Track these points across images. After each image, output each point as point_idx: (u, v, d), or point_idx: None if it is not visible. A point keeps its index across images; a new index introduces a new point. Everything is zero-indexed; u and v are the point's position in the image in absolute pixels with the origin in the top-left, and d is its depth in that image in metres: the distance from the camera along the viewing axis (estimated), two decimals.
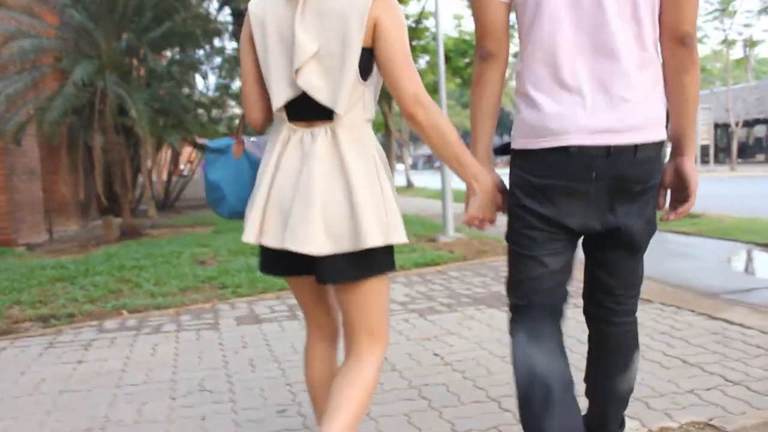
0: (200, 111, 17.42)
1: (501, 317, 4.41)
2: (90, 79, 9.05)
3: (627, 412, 2.24)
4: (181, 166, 21.34)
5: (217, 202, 2.10)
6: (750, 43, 27.61)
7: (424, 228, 9.49)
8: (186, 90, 15.78)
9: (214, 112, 20.26)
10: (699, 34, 24.69)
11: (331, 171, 1.79)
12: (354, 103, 1.82)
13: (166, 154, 19.03)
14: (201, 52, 12.46)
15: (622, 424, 2.18)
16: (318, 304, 2.05)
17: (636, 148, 1.72)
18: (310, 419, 2.77)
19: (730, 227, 8.22)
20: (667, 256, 6.66)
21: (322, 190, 1.77)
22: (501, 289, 5.35)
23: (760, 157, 38.79)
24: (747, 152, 38.57)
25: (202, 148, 19.38)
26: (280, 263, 1.91)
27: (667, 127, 1.82)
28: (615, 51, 1.68)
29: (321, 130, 1.81)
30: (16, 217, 10.32)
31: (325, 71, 1.79)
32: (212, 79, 21.42)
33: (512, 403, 2.84)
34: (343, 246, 1.77)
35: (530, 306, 1.88)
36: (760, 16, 26.32)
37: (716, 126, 30.75)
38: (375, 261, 1.82)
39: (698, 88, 1.84)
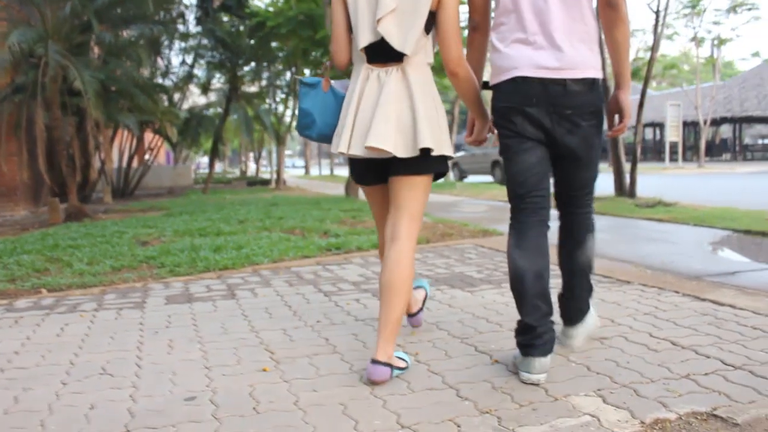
0: (162, 95, 16.73)
1: (463, 297, 3.93)
2: (29, 47, 8.35)
3: (612, 401, 2.19)
4: (146, 156, 20.56)
5: (307, 126, 2.70)
6: (719, 41, 27.56)
7: None
8: (146, 72, 15.08)
9: (176, 97, 19.56)
10: (669, 32, 24.77)
11: (401, 96, 2.46)
12: (418, 51, 2.48)
13: (128, 140, 18.21)
14: (157, 29, 11.71)
15: (590, 290, 2.80)
16: (384, 207, 2.72)
17: (571, 81, 2.40)
18: (223, 409, 2.25)
19: (705, 215, 7.86)
20: (642, 241, 6.24)
21: (395, 109, 2.43)
22: (465, 270, 4.87)
23: (726, 156, 39.11)
24: (714, 151, 38.83)
25: (164, 135, 18.72)
26: (368, 174, 2.69)
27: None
28: (548, 14, 2.38)
29: (393, 69, 2.48)
30: None
31: (399, 23, 2.43)
32: (175, 61, 20.65)
33: (471, 391, 2.34)
34: (408, 150, 2.44)
35: (518, 197, 2.53)
36: (729, 15, 26.32)
37: (685, 124, 30.74)
38: (429, 164, 2.52)
39: (628, 40, 2.52)
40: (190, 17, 19.16)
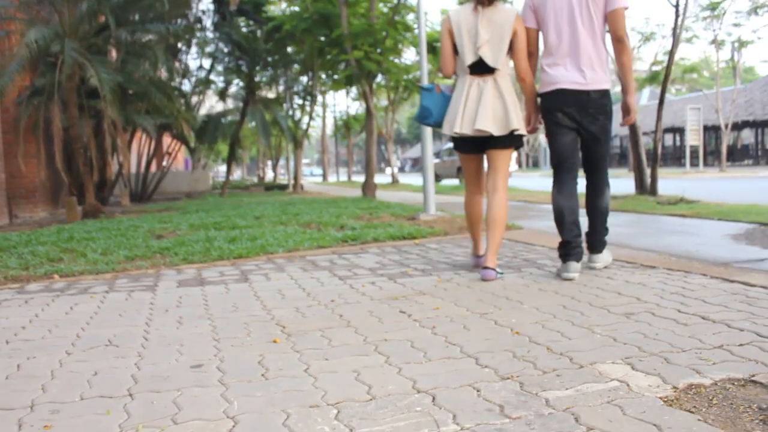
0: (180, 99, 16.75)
1: (483, 281, 3.80)
2: (46, 43, 8.35)
3: (642, 368, 2.10)
4: (164, 161, 20.63)
5: (425, 117, 4.08)
6: (740, 44, 27.18)
7: (404, 210, 8.87)
8: (164, 74, 15.10)
9: (194, 100, 19.61)
10: (688, 35, 24.49)
11: (495, 96, 3.81)
12: (503, 66, 3.81)
13: (146, 144, 18.22)
14: (174, 29, 11.72)
15: (606, 230, 4.07)
16: (478, 170, 4.14)
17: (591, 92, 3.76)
18: (230, 375, 2.15)
19: (730, 210, 7.66)
20: (666, 234, 6.08)
21: (492, 105, 3.78)
22: None
23: (748, 161, 38.55)
24: (735, 155, 38.28)
25: (182, 138, 18.75)
26: (468, 146, 4.01)
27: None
28: (575, 49, 3.74)
29: (488, 78, 3.85)
30: None
31: (491, 49, 3.79)
32: (193, 65, 20.73)
33: (491, 359, 2.23)
34: (501, 130, 3.80)
35: (558, 170, 3.89)
36: (750, 17, 25.94)
37: (705, 128, 30.36)
38: (513, 140, 3.91)
39: (631, 62, 3.83)
40: (208, 22, 19.22)
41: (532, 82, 3.94)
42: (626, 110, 3.88)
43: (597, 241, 4.04)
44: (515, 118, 3.79)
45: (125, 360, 2.35)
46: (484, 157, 4.09)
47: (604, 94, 3.78)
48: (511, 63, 3.95)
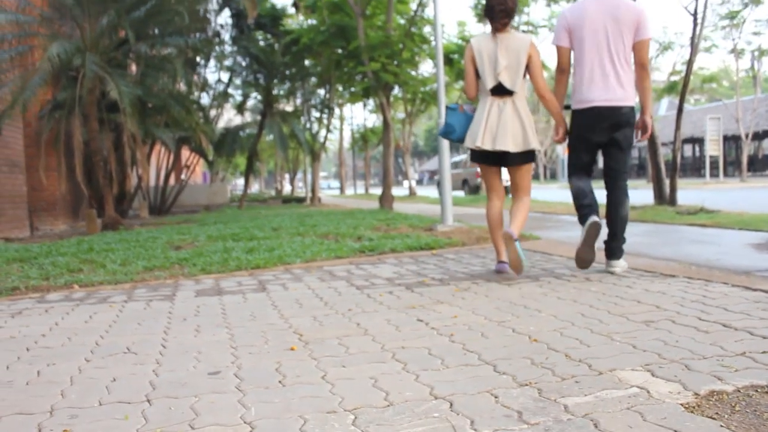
0: (198, 112, 16.88)
1: (500, 289, 3.78)
2: (68, 57, 8.48)
3: (662, 374, 2.07)
4: (182, 174, 20.82)
5: (449, 133, 4.53)
6: (760, 53, 26.96)
7: (422, 221, 8.86)
8: (183, 87, 15.25)
9: (212, 113, 19.77)
10: (707, 44, 24.33)
11: (513, 115, 4.23)
12: (519, 89, 4.24)
13: (164, 158, 18.35)
14: (192, 42, 11.85)
15: (624, 239, 4.35)
16: (497, 180, 4.52)
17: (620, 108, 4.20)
18: (248, 382, 2.15)
19: (751, 219, 7.57)
20: (686, 243, 6.02)
21: (511, 125, 4.21)
22: None
23: None
24: (757, 165, 37.85)
25: (200, 151, 18.93)
26: (486, 158, 4.39)
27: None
28: (606, 66, 4.18)
29: (507, 100, 4.25)
30: None
31: (509, 74, 4.22)
32: (211, 79, 20.88)
33: (509, 366, 2.21)
34: (519, 148, 4.24)
35: (576, 168, 4.41)
36: None
37: (725, 138, 30.09)
38: (530, 156, 4.36)
39: (650, 86, 4.30)
40: (226, 36, 19.42)
41: (553, 97, 4.34)
42: (644, 128, 4.31)
43: (616, 247, 4.33)
44: (532, 136, 4.27)
45: (143, 367, 2.37)
46: (502, 168, 4.52)
47: (632, 109, 4.25)
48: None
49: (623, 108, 4.18)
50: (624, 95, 4.18)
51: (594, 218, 4.11)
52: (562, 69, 4.38)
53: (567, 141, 4.53)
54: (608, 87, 4.17)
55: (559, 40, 4.34)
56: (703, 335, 2.50)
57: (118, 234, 8.41)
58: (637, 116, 4.31)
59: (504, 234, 4.10)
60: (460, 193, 25.31)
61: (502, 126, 4.20)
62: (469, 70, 4.38)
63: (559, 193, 20.51)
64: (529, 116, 4.30)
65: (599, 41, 4.18)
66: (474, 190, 25.01)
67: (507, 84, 4.23)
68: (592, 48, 4.20)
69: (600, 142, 4.26)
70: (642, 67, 4.24)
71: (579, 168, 4.38)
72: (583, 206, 4.24)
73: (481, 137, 4.24)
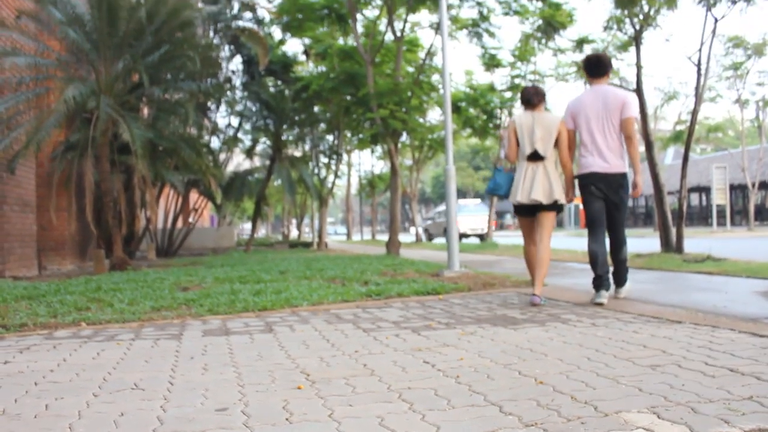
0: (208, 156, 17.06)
1: (507, 334, 3.78)
2: (83, 100, 8.65)
3: (668, 417, 2.08)
4: (190, 218, 20.96)
5: (496, 189, 5.69)
6: (764, 103, 27.19)
7: (428, 267, 8.88)
8: (194, 131, 15.46)
9: (222, 157, 19.97)
10: (711, 94, 24.58)
11: (544, 176, 5.27)
12: (549, 155, 5.31)
13: (173, 200, 18.48)
14: (204, 87, 12.09)
15: (627, 270, 5.50)
16: (531, 228, 5.53)
17: (612, 174, 5.23)
18: (255, 419, 2.16)
19: (759, 267, 7.55)
20: (692, 291, 6.02)
21: (542, 182, 5.24)
22: (507, 312, 4.73)
23: None
24: (763, 215, 37.77)
25: (209, 195, 19.10)
26: (524, 211, 5.46)
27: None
28: (600, 142, 5.21)
29: (540, 164, 5.29)
30: (4, 247, 9.78)
31: (543, 143, 5.27)
32: (222, 123, 21.13)
33: (515, 407, 2.21)
34: (548, 200, 5.26)
35: (592, 223, 5.27)
36: None
37: (732, 187, 30.14)
38: (556, 206, 5.36)
39: (637, 153, 5.30)
40: (237, 81, 19.75)
41: (571, 167, 5.47)
42: (635, 186, 5.30)
43: (621, 278, 5.47)
44: (558, 191, 5.27)
45: (151, 402, 2.38)
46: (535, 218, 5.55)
47: (623, 175, 5.26)
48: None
49: (615, 174, 5.20)
50: (615, 164, 5.20)
51: (601, 299, 5.03)
52: (571, 145, 5.46)
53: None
54: (602, 157, 5.20)
55: (566, 122, 5.43)
56: (710, 379, 2.50)
57: (126, 274, 8.45)
58: (631, 177, 5.30)
59: (530, 300, 5.16)
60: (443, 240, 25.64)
61: (536, 184, 5.25)
62: (512, 139, 5.41)
63: (566, 240, 20.49)
64: (557, 176, 5.33)
65: (593, 122, 5.26)
66: (430, 238, 28.33)
67: (540, 151, 5.28)
68: (587, 128, 5.28)
69: (600, 195, 5.24)
70: (629, 139, 5.21)
71: (593, 222, 5.30)
72: (597, 276, 5.19)
73: (520, 194, 5.32)
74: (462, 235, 25.63)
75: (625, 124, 5.19)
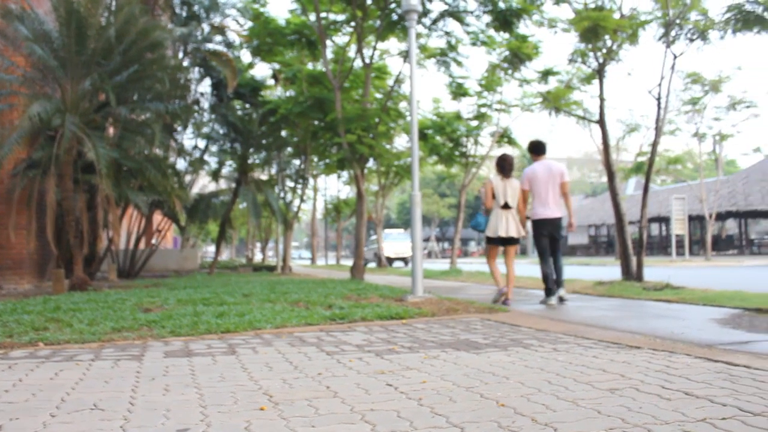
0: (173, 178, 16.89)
1: (470, 358, 3.82)
2: (47, 117, 8.54)
3: None
4: (153, 239, 20.66)
5: (477, 226, 8.21)
6: (720, 137, 27.99)
7: (393, 291, 8.90)
8: (160, 152, 15.32)
9: (188, 179, 19.79)
10: (671, 127, 25.21)
11: (512, 219, 7.99)
12: (515, 206, 8.05)
13: (136, 221, 18.21)
14: (172, 108, 12.02)
15: (562, 283, 8.22)
16: (497, 251, 8.21)
17: (556, 218, 8.16)
18: None
19: (715, 296, 7.74)
20: (651, 318, 6.14)
21: (512, 223, 7.96)
22: (470, 337, 4.77)
23: (733, 251, 38.96)
24: (720, 245, 38.70)
25: (173, 216, 18.88)
26: (497, 241, 8.03)
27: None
28: (548, 197, 8.07)
29: (509, 211, 7.99)
30: None
31: (511, 199, 7.99)
32: (188, 143, 20.94)
33: (477, 429, 2.24)
34: (515, 235, 8.00)
35: (543, 255, 8.11)
36: (729, 112, 26.74)
37: (690, 218, 30.84)
38: (517, 240, 8.18)
39: (570, 204, 8.29)
40: (205, 104, 19.67)
41: (524, 213, 8.13)
42: (570, 225, 8.31)
43: (560, 282, 8.09)
44: (520, 229, 7.92)
45: (111, 422, 2.35)
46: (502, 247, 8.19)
47: (561, 218, 8.09)
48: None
49: (556, 218, 7.99)
50: (556, 211, 7.98)
51: (551, 302, 7.76)
52: (524, 200, 8.12)
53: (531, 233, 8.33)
54: (548, 208, 7.97)
55: (523, 185, 8.09)
56: (666, 402, 2.56)
57: (86, 295, 8.30)
58: (566, 221, 8.21)
59: (504, 303, 7.63)
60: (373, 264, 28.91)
61: (509, 224, 7.85)
62: (488, 194, 7.98)
63: (527, 267, 20.70)
64: (517, 219, 7.96)
65: (542, 185, 7.98)
66: (379, 261, 29.10)
67: (510, 204, 7.90)
68: (539, 189, 8.00)
69: (546, 234, 7.99)
70: (565, 195, 8.05)
71: (543, 251, 8.01)
72: (548, 288, 7.91)
73: (497, 230, 7.82)
74: (388, 259, 30.94)
75: (563, 185, 8.01)
